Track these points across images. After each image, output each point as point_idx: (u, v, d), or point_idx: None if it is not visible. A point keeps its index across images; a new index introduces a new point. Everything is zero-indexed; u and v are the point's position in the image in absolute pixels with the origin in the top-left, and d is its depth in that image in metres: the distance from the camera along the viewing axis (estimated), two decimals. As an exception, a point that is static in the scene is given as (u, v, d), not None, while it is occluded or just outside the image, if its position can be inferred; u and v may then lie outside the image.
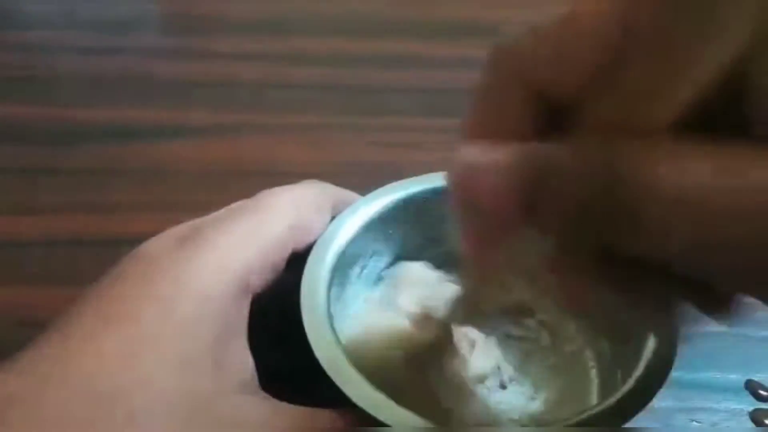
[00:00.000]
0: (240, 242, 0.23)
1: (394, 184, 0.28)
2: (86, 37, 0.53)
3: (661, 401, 0.28)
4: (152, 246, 0.23)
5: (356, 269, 0.27)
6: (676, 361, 0.23)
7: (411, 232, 0.29)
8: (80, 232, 0.36)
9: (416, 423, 0.20)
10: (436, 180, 0.28)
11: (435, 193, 0.27)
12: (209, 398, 0.20)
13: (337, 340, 0.22)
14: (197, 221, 0.24)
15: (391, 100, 0.46)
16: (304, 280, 0.24)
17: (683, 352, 0.30)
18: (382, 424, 0.20)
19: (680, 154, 0.14)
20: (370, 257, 0.28)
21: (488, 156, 0.16)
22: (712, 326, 0.31)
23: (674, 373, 0.29)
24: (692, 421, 0.28)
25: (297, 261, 0.24)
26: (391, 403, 0.21)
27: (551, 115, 0.17)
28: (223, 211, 0.25)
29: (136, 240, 0.24)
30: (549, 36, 0.17)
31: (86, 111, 0.45)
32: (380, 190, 0.28)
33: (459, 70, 0.49)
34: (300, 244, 0.25)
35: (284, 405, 0.21)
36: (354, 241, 0.26)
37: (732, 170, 0.13)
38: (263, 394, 0.22)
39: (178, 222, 0.24)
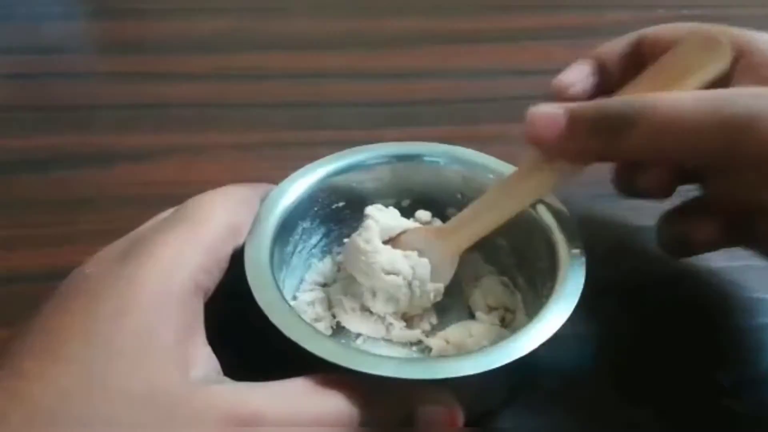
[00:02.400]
0: (182, 247, 0.23)
1: (313, 164, 0.30)
2: (13, 61, 0.52)
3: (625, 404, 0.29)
4: (92, 266, 0.23)
5: (289, 248, 0.29)
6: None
7: (334, 208, 0.31)
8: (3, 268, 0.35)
9: (384, 365, 0.23)
10: (352, 156, 0.31)
11: (353, 168, 0.31)
12: (177, 396, 0.20)
13: (291, 309, 0.24)
14: (131, 235, 0.25)
15: (334, 114, 0.46)
16: (247, 266, 0.25)
17: (642, 349, 0.31)
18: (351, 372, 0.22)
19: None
20: (301, 236, 0.30)
21: (551, 107, 0.27)
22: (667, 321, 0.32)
23: (632, 371, 0.30)
24: (658, 416, 0.28)
25: (239, 258, 0.26)
26: (355, 351, 0.24)
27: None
28: (153, 221, 0.26)
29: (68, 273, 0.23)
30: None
31: (18, 140, 0.44)
32: (299, 171, 0.30)
33: (407, 82, 0.49)
34: (239, 240, 0.26)
35: (254, 384, 0.22)
36: (283, 224, 0.28)
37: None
38: (231, 381, 0.22)
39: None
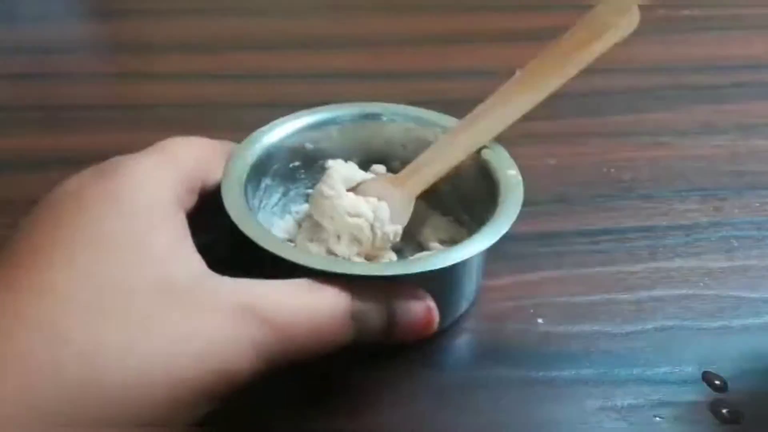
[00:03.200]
0: (158, 167, 0.25)
1: (270, 124, 0.32)
2: (13, 61, 0.52)
3: (622, 399, 0.29)
4: (71, 185, 0.24)
5: (255, 202, 0.31)
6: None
7: (291, 167, 0.33)
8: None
9: (367, 267, 0.27)
10: (306, 116, 0.33)
11: (308, 129, 0.33)
12: (188, 286, 0.22)
13: (277, 237, 0.28)
14: (102, 163, 0.25)
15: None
16: (228, 205, 0.27)
17: (640, 349, 0.31)
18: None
19: None
20: (264, 192, 0.32)
21: None
22: (665, 321, 0.32)
23: (633, 370, 0.30)
24: (655, 416, 0.28)
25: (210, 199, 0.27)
26: (338, 260, 0.28)
27: None
28: (129, 155, 0.26)
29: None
30: None
31: (19, 140, 0.44)
32: (258, 131, 0.32)
33: (407, 82, 0.49)
34: (207, 175, 0.27)
35: (255, 280, 0.23)
36: (250, 177, 0.29)
37: None
38: (231, 277, 0.23)
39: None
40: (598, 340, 0.31)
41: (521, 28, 0.56)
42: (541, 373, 0.30)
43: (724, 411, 0.29)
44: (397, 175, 0.33)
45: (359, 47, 0.54)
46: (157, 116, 0.46)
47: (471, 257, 0.26)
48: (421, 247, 0.33)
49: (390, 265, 0.29)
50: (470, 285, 0.32)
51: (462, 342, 0.31)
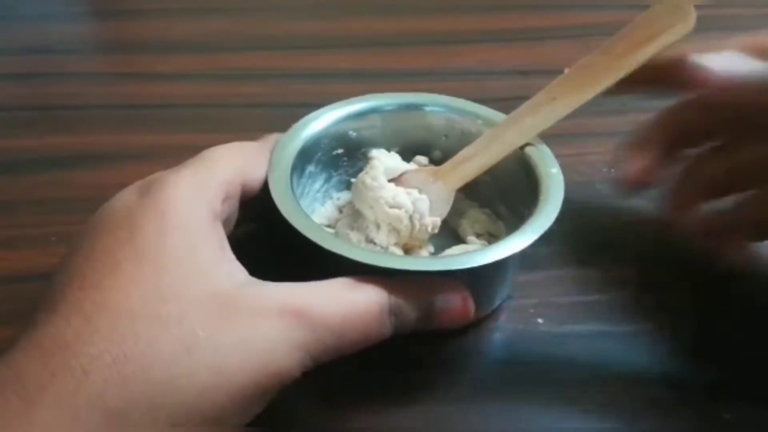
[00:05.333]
0: (198, 182, 0.26)
1: (316, 112, 0.33)
2: (13, 61, 0.52)
3: (622, 399, 0.29)
4: (118, 202, 0.26)
5: (299, 190, 0.32)
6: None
7: (334, 154, 0.34)
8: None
9: (409, 262, 0.27)
10: (351, 105, 0.34)
11: (357, 116, 0.34)
12: (234, 295, 0.23)
13: (323, 228, 0.29)
14: (149, 177, 0.27)
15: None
16: (275, 194, 0.28)
17: (641, 349, 0.31)
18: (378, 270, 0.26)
19: None
20: (308, 179, 0.33)
21: None
22: (666, 321, 0.32)
23: (634, 370, 0.30)
24: (655, 416, 0.28)
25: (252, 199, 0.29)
26: (384, 254, 0.29)
27: None
28: (170, 170, 0.28)
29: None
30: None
31: (18, 140, 0.44)
32: (306, 118, 0.33)
33: (407, 82, 0.49)
34: (247, 177, 0.28)
35: (296, 283, 0.25)
36: (295, 165, 0.30)
37: None
38: (274, 282, 0.25)
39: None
40: (598, 340, 0.31)
41: (521, 29, 0.56)
42: (541, 373, 0.30)
43: (724, 412, 0.28)
44: (440, 167, 0.33)
45: (359, 47, 0.54)
46: (157, 116, 0.46)
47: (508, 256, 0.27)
48: (458, 239, 0.34)
49: (434, 262, 0.29)
50: (507, 279, 0.32)
51: (462, 342, 0.31)
